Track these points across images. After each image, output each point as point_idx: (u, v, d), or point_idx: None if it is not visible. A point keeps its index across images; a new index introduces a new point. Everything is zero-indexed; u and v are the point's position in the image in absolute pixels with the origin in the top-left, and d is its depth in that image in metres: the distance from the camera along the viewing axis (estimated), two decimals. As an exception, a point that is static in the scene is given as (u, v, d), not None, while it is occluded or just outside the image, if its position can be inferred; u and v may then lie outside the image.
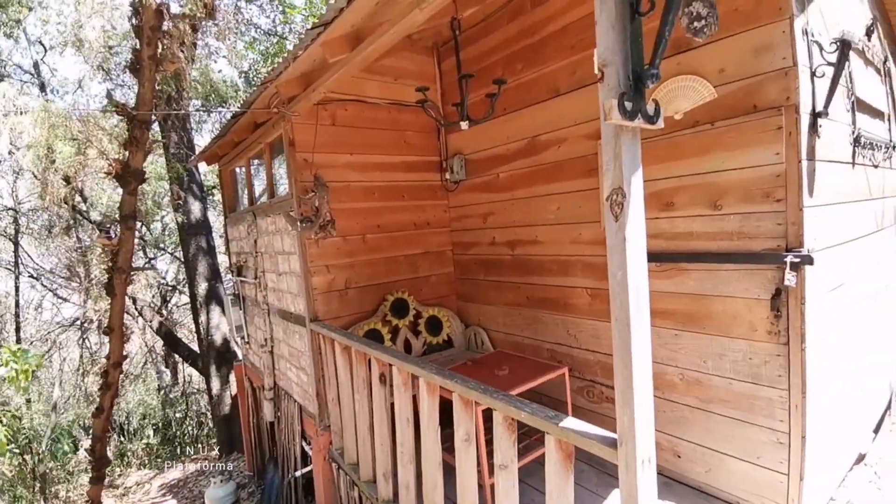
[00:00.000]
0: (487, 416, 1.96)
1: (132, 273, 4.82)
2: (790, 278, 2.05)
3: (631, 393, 1.27)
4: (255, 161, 4.46)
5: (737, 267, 2.29)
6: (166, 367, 11.77)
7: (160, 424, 9.86)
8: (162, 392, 11.29)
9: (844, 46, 2.07)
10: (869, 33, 2.99)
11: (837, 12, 2.49)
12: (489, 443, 2.01)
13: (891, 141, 3.31)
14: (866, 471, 2.84)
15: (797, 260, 2.05)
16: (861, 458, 2.97)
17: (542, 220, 3.30)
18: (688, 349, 2.54)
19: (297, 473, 3.78)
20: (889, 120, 3.33)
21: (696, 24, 1.41)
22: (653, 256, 2.64)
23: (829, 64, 2.11)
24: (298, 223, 2.96)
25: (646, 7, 1.18)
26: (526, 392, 2.68)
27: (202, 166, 8.13)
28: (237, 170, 5.11)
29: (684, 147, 2.45)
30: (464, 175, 3.94)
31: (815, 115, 2.12)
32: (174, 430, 9.73)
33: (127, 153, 4.02)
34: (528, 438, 2.75)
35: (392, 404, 2.47)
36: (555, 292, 3.27)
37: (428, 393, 2.14)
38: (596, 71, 1.25)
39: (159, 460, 8.67)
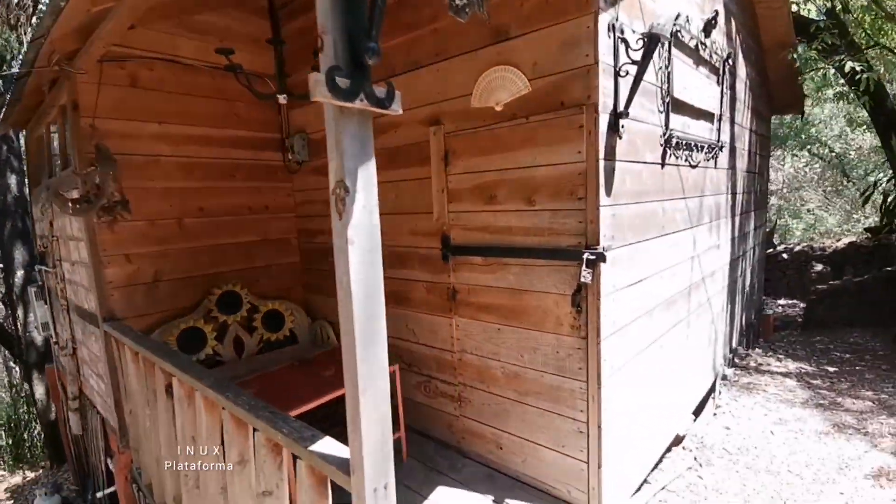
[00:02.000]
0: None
1: None
2: (586, 275, 2.07)
3: (359, 419, 1.12)
4: (53, 127, 3.71)
5: (547, 263, 2.30)
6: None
7: (10, 424, 8.40)
8: (13, 390, 9.62)
9: (651, 43, 2.06)
10: (709, 28, 3.13)
11: (666, 5, 2.56)
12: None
13: (718, 141, 3.60)
14: (685, 455, 3.11)
15: (592, 257, 2.08)
16: (679, 439, 3.25)
17: (381, 209, 3.11)
18: (509, 343, 2.53)
19: (99, 494, 3.27)
20: (719, 120, 3.61)
21: (456, 1, 1.27)
22: (478, 250, 2.59)
23: (634, 62, 2.14)
24: (70, 204, 2.43)
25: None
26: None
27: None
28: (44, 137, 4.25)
29: (505, 140, 2.39)
30: (306, 156, 3.62)
31: (616, 116, 2.15)
32: (21, 431, 8.37)
33: None
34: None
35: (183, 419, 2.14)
36: (394, 285, 3.12)
37: (206, 409, 1.86)
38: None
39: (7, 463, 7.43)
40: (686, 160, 3.06)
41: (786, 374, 4.43)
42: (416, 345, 3.06)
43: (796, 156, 14.55)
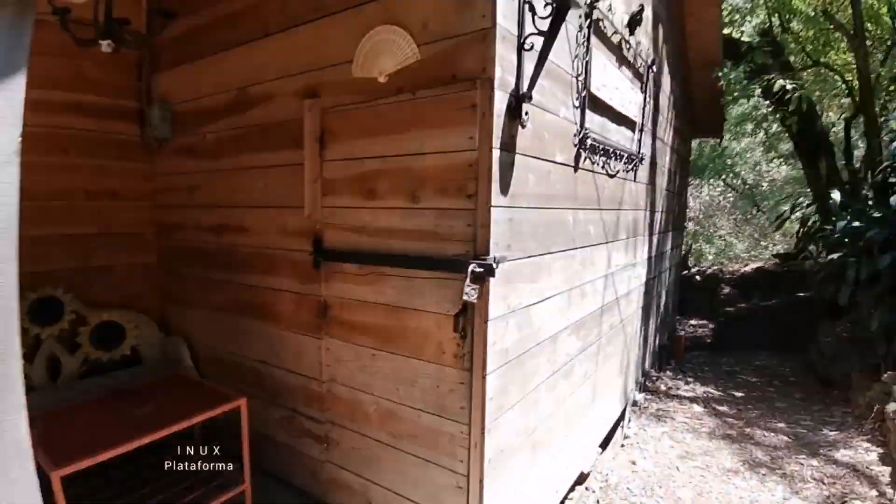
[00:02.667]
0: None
1: None
2: (469, 292, 1.64)
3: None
4: None
5: (430, 275, 1.85)
6: None
7: None
8: None
9: (561, 10, 1.65)
10: (633, 25, 2.87)
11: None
12: None
13: (639, 152, 3.37)
14: (588, 498, 2.76)
15: (479, 270, 1.66)
16: (583, 477, 2.90)
17: (249, 201, 2.54)
18: (384, 373, 2.05)
19: None
20: (640, 130, 3.38)
21: None
22: (354, 256, 2.09)
23: (541, 34, 1.75)
24: None
25: None
26: (177, 432, 1.90)
27: None
28: None
29: (390, 119, 1.92)
30: (170, 132, 2.96)
31: (518, 98, 1.75)
32: None
33: None
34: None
35: None
36: (261, 295, 2.55)
37: None
38: None
39: None
40: (603, 168, 2.77)
41: (693, 399, 4.31)
42: (280, 370, 2.50)
43: (711, 185, 15.52)
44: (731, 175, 14.11)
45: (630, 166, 3.24)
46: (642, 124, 3.44)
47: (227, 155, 2.63)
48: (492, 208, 1.67)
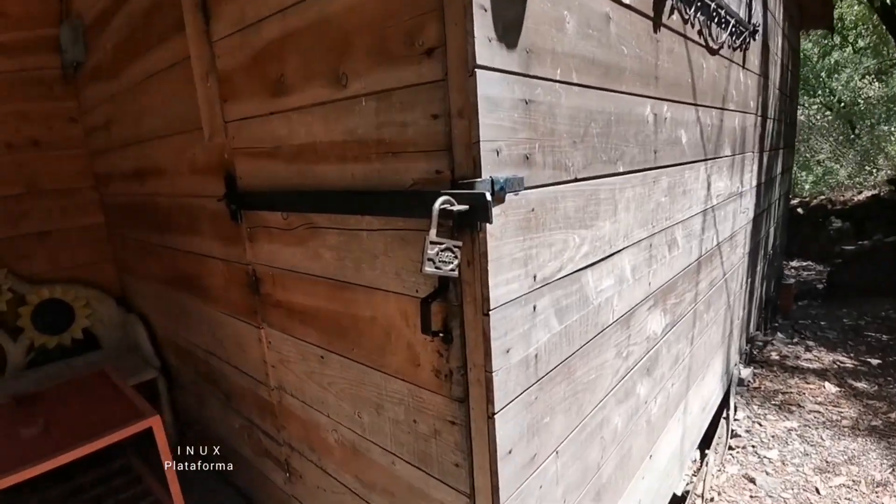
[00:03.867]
0: None
1: None
2: (434, 257, 0.77)
3: None
4: None
5: (382, 223, 0.99)
6: None
7: None
8: None
9: None
10: None
11: None
12: None
13: (749, 21, 2.20)
14: None
15: (458, 209, 0.77)
16: (678, 502, 2.04)
17: (156, 129, 1.77)
18: (339, 386, 1.26)
19: None
20: None
21: None
22: (274, 199, 1.27)
23: None
24: None
25: None
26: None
27: None
28: None
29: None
30: (82, 53, 2.21)
31: None
32: None
33: None
34: None
35: None
36: (191, 264, 1.82)
37: None
38: None
39: None
40: (701, 35, 1.70)
41: (821, 374, 3.22)
42: (229, 367, 1.79)
43: (804, 106, 13.18)
44: (827, 92, 11.94)
45: (738, 41, 2.11)
46: (756, -23, 2.25)
47: (123, 67, 1.84)
48: (479, 72, 0.75)
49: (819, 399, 2.85)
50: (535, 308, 0.95)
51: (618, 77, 1.17)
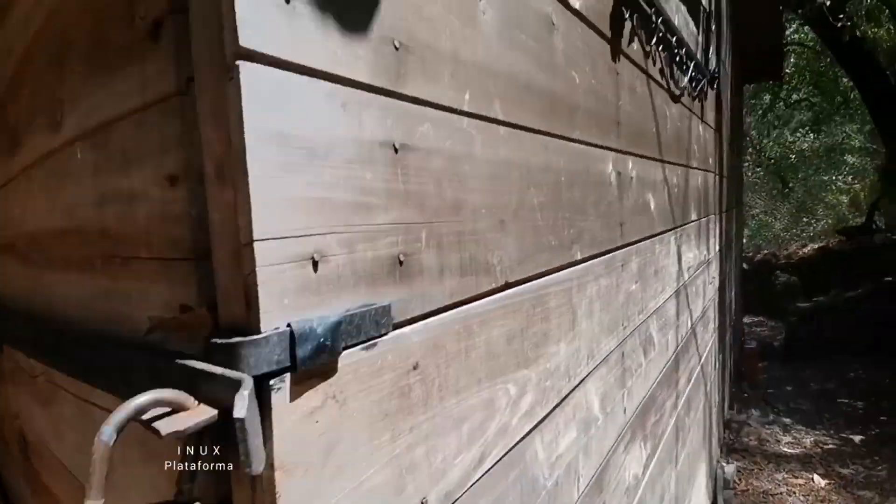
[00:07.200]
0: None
1: None
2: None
3: None
4: None
5: (113, 403, 0.48)
6: None
7: None
8: None
9: None
10: None
11: None
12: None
13: (707, 66, 1.94)
14: None
15: (208, 418, 0.28)
16: None
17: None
18: None
19: None
20: (706, 34, 1.97)
21: None
22: (18, 324, 0.72)
23: None
24: None
25: None
26: None
27: None
28: None
29: None
30: None
31: None
32: None
33: None
34: None
35: None
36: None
37: None
38: None
39: None
40: (663, 76, 1.37)
41: (806, 462, 2.85)
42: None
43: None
44: (757, 149, 12.79)
45: (697, 89, 1.84)
46: (707, 26, 2.04)
47: None
48: (248, 68, 0.30)
49: (810, 499, 2.45)
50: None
51: (569, 117, 0.76)
